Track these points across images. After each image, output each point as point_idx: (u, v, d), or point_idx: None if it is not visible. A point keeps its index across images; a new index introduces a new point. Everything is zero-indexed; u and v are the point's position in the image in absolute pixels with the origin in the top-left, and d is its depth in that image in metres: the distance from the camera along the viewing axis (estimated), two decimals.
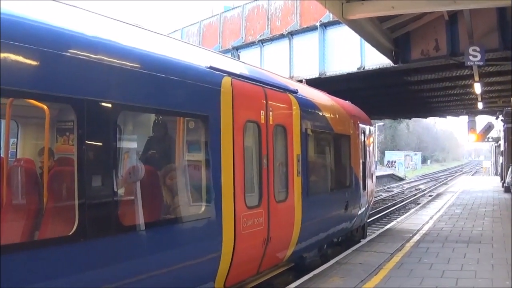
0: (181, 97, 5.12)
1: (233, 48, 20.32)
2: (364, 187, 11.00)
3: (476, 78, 15.86)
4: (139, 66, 4.55)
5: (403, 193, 31.30)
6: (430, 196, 25.59)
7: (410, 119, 48.72)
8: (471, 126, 30.39)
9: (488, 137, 34.85)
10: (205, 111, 5.37)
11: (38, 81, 3.65)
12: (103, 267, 4.07)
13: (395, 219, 15.47)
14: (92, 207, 3.94)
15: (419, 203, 21.53)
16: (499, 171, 34.89)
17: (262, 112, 6.48)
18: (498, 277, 7.06)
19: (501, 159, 32.60)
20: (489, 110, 29.45)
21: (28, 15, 3.75)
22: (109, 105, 4.18)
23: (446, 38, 13.75)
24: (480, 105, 23.92)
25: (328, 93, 10.35)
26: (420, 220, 13.60)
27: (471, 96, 22.60)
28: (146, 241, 4.59)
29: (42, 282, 3.57)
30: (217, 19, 21.94)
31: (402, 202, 24.52)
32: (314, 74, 17.45)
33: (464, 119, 34.01)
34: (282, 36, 18.62)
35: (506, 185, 23.28)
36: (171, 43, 5.81)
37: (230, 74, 5.92)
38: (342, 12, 10.51)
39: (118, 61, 4.32)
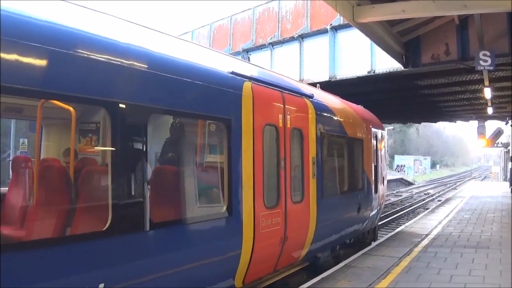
0: (207, 101, 5.33)
1: (243, 50, 20.31)
2: (376, 190, 11.14)
3: (486, 83, 15.86)
4: (168, 71, 4.74)
5: (412, 197, 31.19)
6: (439, 201, 25.53)
7: (420, 123, 48.65)
8: (481, 131, 30.32)
9: (498, 143, 34.70)
10: (228, 114, 5.58)
11: (71, 83, 3.80)
12: (130, 263, 4.26)
13: (404, 224, 15.51)
14: (123, 206, 4.13)
15: (428, 208, 21.52)
16: (508, 176, 34.71)
17: (280, 116, 6.67)
18: (506, 282, 7.03)
19: (510, 164, 32.45)
20: (499, 115, 29.30)
21: (42, 16, 3.80)
22: (141, 108, 4.38)
23: (456, 42, 13.71)
24: (490, 110, 23.81)
25: (340, 97, 10.51)
26: (428, 224, 13.63)
27: (481, 101, 22.53)
28: (173, 238, 4.79)
29: (77, 275, 3.76)
30: (228, 21, 21.92)
31: (411, 206, 24.50)
32: (324, 77, 17.42)
33: (473, 124, 33.88)
34: (292, 39, 18.61)
35: None
36: (195, 49, 6.03)
37: (250, 79, 6.12)
38: (352, 15, 10.53)
39: (149, 66, 4.52)
